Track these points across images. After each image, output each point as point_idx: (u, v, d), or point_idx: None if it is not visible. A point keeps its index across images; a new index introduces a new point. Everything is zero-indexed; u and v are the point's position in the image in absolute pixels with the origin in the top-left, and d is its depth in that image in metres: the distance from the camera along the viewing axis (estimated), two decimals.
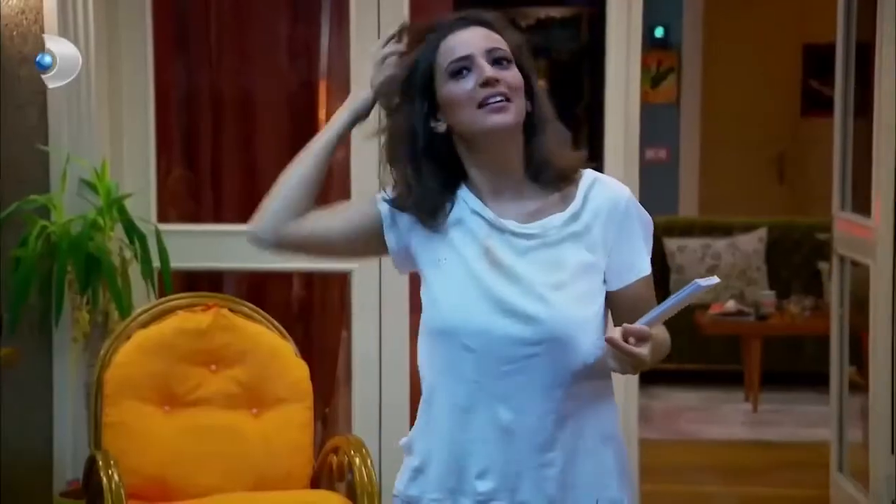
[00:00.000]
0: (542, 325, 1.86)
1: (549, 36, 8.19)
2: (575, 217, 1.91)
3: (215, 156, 4.39)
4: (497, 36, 1.91)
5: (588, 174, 1.95)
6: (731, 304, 6.50)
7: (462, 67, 1.88)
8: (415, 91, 1.92)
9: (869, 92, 4.04)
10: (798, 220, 7.21)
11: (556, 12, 8.29)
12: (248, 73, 4.39)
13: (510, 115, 1.87)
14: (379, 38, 4.06)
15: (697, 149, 8.08)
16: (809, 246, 6.88)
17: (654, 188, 6.93)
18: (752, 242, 7.07)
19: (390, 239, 1.97)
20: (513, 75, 1.88)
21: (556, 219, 1.91)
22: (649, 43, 7.64)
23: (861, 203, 4.23)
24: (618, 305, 1.94)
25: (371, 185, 2.03)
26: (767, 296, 6.55)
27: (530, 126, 1.92)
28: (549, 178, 1.92)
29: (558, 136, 1.94)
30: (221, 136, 4.38)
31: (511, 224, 1.91)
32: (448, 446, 1.91)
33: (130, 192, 3.86)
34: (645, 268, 1.94)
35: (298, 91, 4.46)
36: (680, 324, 7.21)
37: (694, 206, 8.03)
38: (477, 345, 1.88)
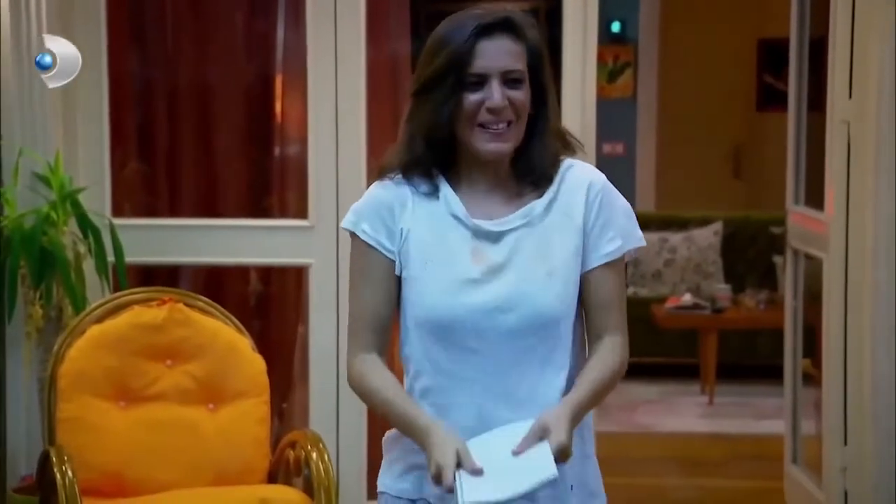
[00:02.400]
0: (541, 319, 1.90)
1: None
2: (553, 201, 1.95)
3: (170, 149, 4.36)
4: (519, 48, 1.92)
5: (566, 162, 1.99)
6: (687, 298, 6.54)
7: (478, 82, 1.90)
8: (444, 83, 1.91)
9: (823, 87, 4.07)
10: (753, 215, 7.27)
11: (513, 7, 8.30)
12: (204, 66, 4.36)
13: (506, 145, 1.92)
14: (335, 30, 4.05)
15: (654, 143, 8.13)
16: (764, 240, 6.94)
17: (611, 182, 6.96)
18: (708, 236, 7.12)
19: (395, 258, 1.96)
20: (522, 95, 1.92)
21: (538, 204, 1.95)
22: (606, 37, 7.66)
23: (815, 197, 4.27)
24: (582, 287, 1.96)
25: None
26: (723, 289, 6.60)
27: (530, 131, 1.95)
28: (532, 177, 1.96)
29: (553, 146, 1.96)
30: (177, 129, 4.36)
31: (492, 224, 1.93)
32: None
33: (84, 185, 3.83)
34: (605, 254, 1.95)
35: (255, 84, 4.44)
36: (637, 317, 7.26)
37: (650, 200, 8.07)
38: (476, 345, 1.90)
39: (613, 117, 7.42)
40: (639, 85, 8.06)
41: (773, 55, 7.75)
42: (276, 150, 4.37)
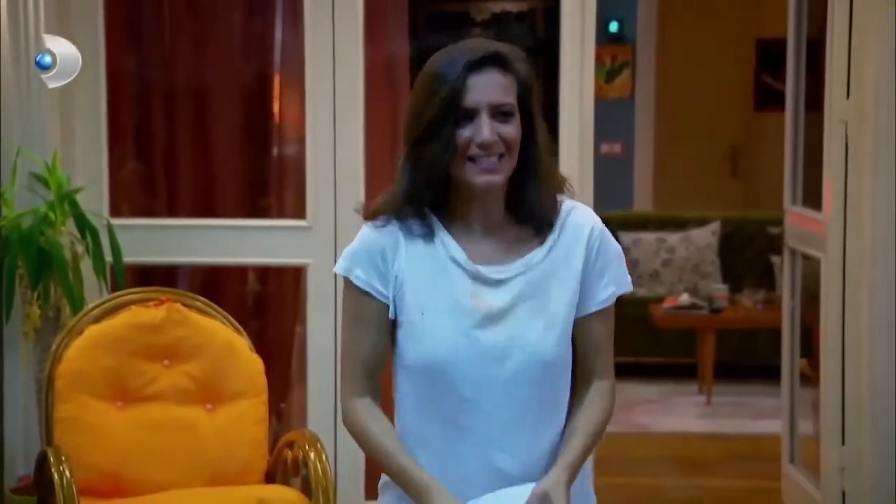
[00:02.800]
0: (538, 369, 1.90)
1: (505, 30, 8.21)
2: (553, 248, 1.94)
3: (168, 149, 4.36)
4: (508, 81, 1.91)
5: (566, 204, 1.97)
6: (684, 298, 6.54)
7: (468, 116, 1.90)
8: (439, 125, 1.90)
9: (820, 87, 4.07)
10: (751, 215, 7.27)
11: (511, 6, 8.30)
12: (202, 66, 4.36)
13: (498, 177, 1.91)
14: (333, 31, 4.03)
15: (652, 143, 8.13)
16: (762, 240, 6.94)
17: (609, 183, 6.96)
18: (706, 236, 7.13)
19: (390, 303, 1.95)
20: (512, 129, 1.90)
21: (537, 254, 1.94)
22: (604, 37, 7.67)
23: (812, 197, 4.27)
24: (573, 331, 1.96)
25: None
26: (720, 289, 6.60)
27: (523, 167, 1.94)
28: (530, 221, 1.94)
29: (549, 183, 1.95)
30: (174, 129, 4.35)
31: (491, 271, 1.92)
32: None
33: (82, 185, 3.82)
34: (600, 301, 1.96)
35: (252, 84, 4.44)
36: (635, 317, 7.19)
37: (648, 200, 8.07)
38: (472, 394, 1.90)
39: (611, 117, 7.42)
40: (637, 85, 8.06)
41: (771, 55, 7.75)
42: (274, 151, 4.37)
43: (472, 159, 1.90)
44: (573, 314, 1.94)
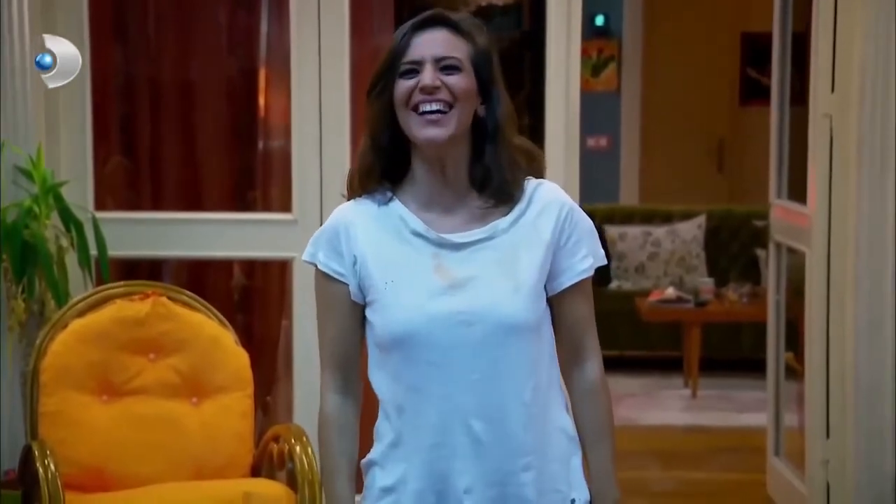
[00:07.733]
0: (506, 332, 1.89)
1: (491, 24, 8.20)
2: (521, 217, 1.94)
3: (153, 143, 4.35)
4: (458, 41, 1.92)
5: (532, 182, 1.97)
6: (670, 291, 6.55)
7: (411, 69, 1.91)
8: (385, 80, 1.93)
9: (805, 81, 4.09)
10: (736, 208, 7.29)
11: (497, 0, 8.30)
12: (187, 60, 4.35)
13: (443, 130, 1.89)
14: (319, 25, 4.03)
15: (638, 137, 8.14)
16: (748, 233, 6.96)
17: (595, 176, 6.97)
18: (692, 230, 7.14)
19: (351, 284, 1.95)
20: (458, 81, 1.90)
21: (503, 222, 1.93)
22: (590, 31, 7.67)
23: (797, 190, 4.28)
24: (551, 308, 1.96)
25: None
26: (706, 283, 6.61)
27: (482, 132, 1.94)
28: (492, 189, 1.93)
29: (511, 149, 1.94)
30: (160, 122, 4.34)
31: (455, 237, 1.92)
32: (426, 466, 1.91)
33: (67, 179, 3.81)
34: (579, 272, 1.96)
35: (238, 78, 4.43)
36: (620, 311, 7.20)
37: (634, 193, 8.09)
38: (443, 360, 1.89)
39: (597, 111, 7.43)
40: (623, 79, 8.07)
41: (756, 49, 7.77)
42: (260, 144, 4.36)
43: (416, 110, 1.90)
44: (543, 280, 1.93)
